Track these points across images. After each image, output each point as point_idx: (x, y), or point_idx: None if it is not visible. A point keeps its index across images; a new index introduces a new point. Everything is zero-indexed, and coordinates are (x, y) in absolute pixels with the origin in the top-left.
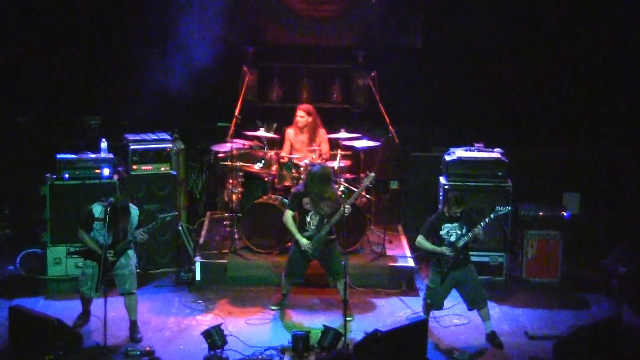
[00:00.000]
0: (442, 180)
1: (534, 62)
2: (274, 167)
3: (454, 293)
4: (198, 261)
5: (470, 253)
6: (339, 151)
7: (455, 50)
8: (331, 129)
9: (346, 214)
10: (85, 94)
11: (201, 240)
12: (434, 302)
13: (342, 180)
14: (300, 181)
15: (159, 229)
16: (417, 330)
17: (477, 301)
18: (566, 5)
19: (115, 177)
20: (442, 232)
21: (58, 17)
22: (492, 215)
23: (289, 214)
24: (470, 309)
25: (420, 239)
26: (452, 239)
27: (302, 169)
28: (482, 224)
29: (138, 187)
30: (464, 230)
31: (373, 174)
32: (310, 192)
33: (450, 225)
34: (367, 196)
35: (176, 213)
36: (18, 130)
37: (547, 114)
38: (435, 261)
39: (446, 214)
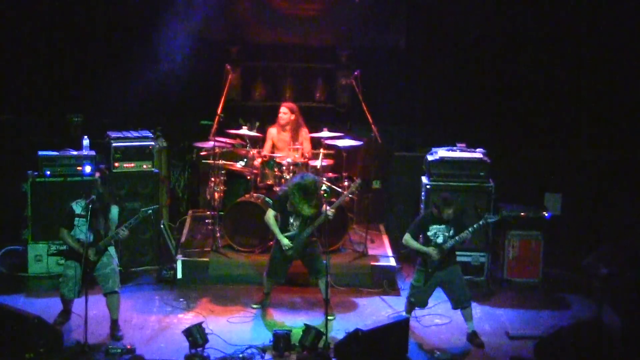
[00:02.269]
0: (424, 180)
1: (517, 62)
2: (257, 166)
3: (436, 292)
4: (180, 259)
5: None
6: (322, 150)
7: (438, 51)
8: (314, 128)
9: (330, 218)
10: (67, 91)
11: (183, 239)
12: (417, 301)
13: (324, 179)
14: (284, 180)
15: (141, 227)
16: (398, 329)
17: (461, 301)
18: (547, 6)
19: (97, 174)
20: (429, 233)
21: (39, 15)
22: (480, 222)
23: (270, 214)
24: (454, 308)
25: (408, 237)
26: (439, 240)
27: (284, 167)
28: (470, 229)
29: (120, 185)
30: (451, 232)
31: (359, 181)
32: (293, 203)
33: (438, 226)
34: (350, 195)
35: (157, 206)
36: None
37: (529, 115)
38: (421, 260)
39: (435, 215)
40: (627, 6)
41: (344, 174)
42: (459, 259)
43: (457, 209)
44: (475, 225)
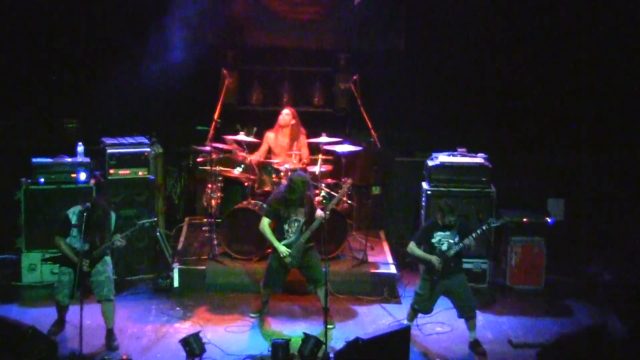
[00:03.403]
0: (424, 185)
1: (518, 66)
2: (254, 172)
3: (439, 300)
4: (176, 267)
5: None
6: (320, 156)
7: (438, 54)
8: (312, 133)
9: (326, 218)
10: (61, 96)
11: (179, 246)
12: (421, 308)
13: (323, 185)
14: (277, 187)
15: (137, 235)
16: (399, 338)
17: (467, 311)
18: (546, 9)
19: (92, 181)
20: (434, 240)
21: (33, 19)
22: (484, 227)
23: (265, 222)
24: (460, 317)
25: (412, 246)
26: (444, 247)
27: (282, 173)
28: (473, 235)
29: (115, 192)
30: (456, 239)
31: (350, 180)
32: (289, 198)
33: (442, 233)
34: (349, 202)
35: (155, 219)
36: None
37: (531, 119)
38: (425, 268)
39: (439, 222)
40: (627, 6)
41: (342, 179)
42: None
43: (460, 215)
44: (478, 231)
